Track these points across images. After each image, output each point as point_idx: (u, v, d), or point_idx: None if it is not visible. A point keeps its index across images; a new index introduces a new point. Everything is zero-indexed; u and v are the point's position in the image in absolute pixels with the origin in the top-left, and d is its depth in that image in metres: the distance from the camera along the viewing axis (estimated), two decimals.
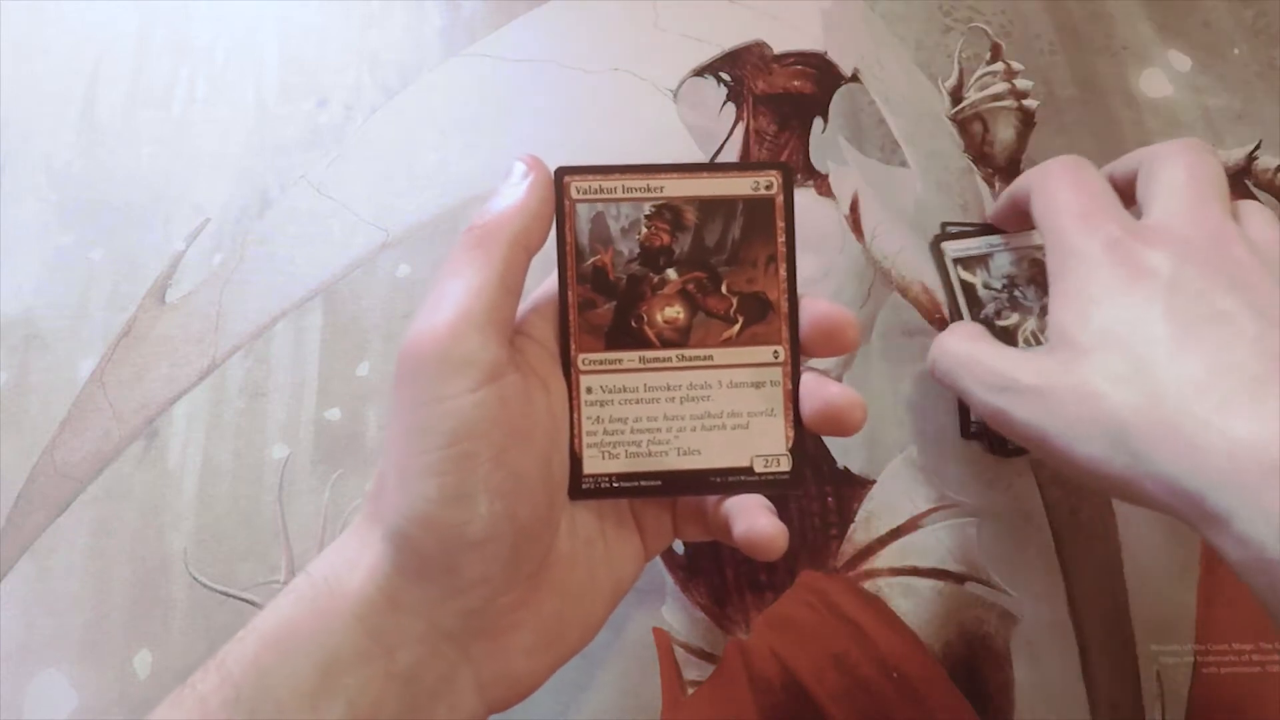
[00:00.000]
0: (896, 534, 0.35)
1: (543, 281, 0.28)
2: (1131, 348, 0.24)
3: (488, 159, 0.42)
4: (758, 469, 0.26)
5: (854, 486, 0.36)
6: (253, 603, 0.33)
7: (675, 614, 0.34)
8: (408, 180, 0.41)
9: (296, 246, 0.40)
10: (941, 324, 0.38)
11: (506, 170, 0.26)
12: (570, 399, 0.26)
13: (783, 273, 0.26)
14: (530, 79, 0.43)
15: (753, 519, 0.26)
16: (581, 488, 0.26)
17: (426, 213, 0.40)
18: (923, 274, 0.39)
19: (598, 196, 0.26)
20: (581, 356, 0.26)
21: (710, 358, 0.26)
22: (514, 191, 0.25)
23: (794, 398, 0.26)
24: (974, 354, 0.29)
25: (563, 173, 0.26)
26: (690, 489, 0.27)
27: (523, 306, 0.27)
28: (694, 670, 0.33)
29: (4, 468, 0.35)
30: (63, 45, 0.44)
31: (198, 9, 0.45)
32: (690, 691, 0.32)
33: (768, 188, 0.26)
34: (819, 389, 0.26)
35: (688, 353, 0.26)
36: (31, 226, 0.40)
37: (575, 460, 0.26)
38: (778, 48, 0.44)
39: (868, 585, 0.34)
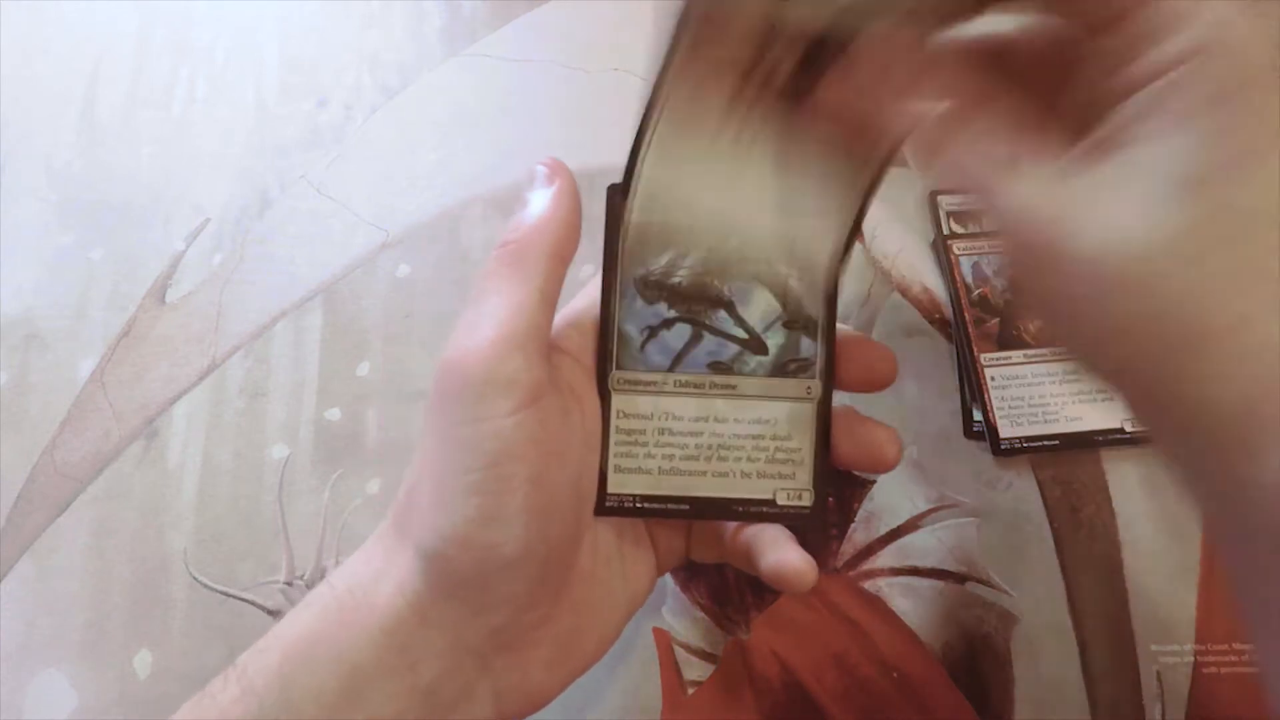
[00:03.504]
0: (896, 534, 0.35)
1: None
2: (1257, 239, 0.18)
3: (488, 159, 0.42)
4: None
5: (854, 486, 0.36)
6: (253, 603, 0.33)
7: (675, 614, 0.34)
8: (408, 180, 0.41)
9: (296, 246, 0.40)
10: (942, 324, 0.38)
11: (529, 176, 0.25)
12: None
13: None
14: (530, 79, 0.43)
15: (782, 552, 0.26)
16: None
17: (426, 213, 0.40)
18: (923, 274, 0.39)
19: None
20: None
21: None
22: (542, 200, 0.24)
23: (824, 433, 0.26)
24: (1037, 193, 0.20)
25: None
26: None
27: (560, 319, 0.27)
28: (694, 670, 0.33)
29: (4, 468, 0.35)
30: (63, 45, 0.44)
31: (198, 9, 0.45)
32: (690, 691, 0.32)
33: None
34: (855, 425, 0.26)
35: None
36: (31, 226, 0.40)
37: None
38: None
39: (868, 585, 0.34)
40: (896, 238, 0.40)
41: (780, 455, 0.26)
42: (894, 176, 0.44)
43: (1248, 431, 0.17)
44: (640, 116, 0.24)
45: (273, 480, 0.35)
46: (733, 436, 0.26)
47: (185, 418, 0.36)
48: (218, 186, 0.41)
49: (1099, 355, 0.20)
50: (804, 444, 0.26)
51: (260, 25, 0.44)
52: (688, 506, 0.26)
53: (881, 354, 0.26)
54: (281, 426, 0.36)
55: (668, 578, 0.34)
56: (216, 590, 0.34)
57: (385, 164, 0.41)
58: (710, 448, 0.26)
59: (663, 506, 0.26)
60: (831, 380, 0.26)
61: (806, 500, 0.26)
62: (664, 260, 0.26)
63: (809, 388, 0.26)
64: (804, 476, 0.26)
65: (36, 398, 0.37)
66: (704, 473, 0.26)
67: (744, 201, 0.25)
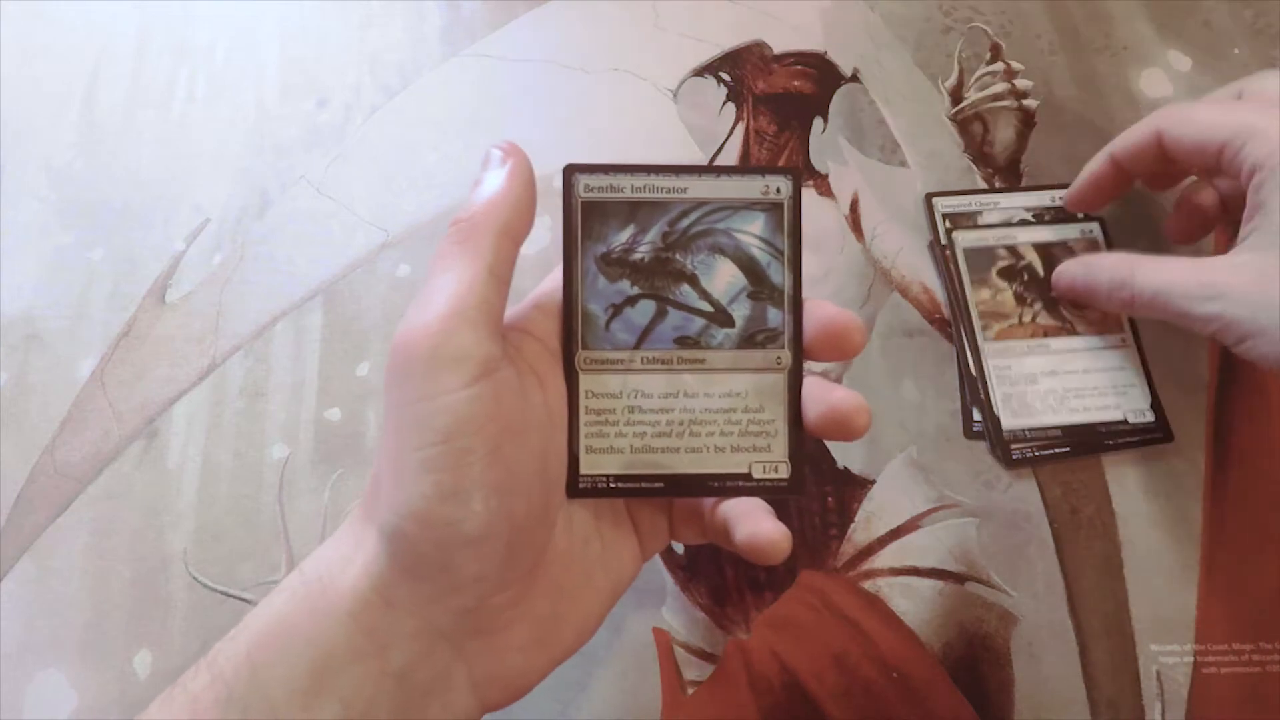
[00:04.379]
0: (896, 534, 0.35)
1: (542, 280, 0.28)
2: None
3: None
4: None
5: (854, 486, 0.36)
6: (253, 603, 0.33)
7: (675, 614, 0.34)
8: (408, 180, 0.41)
9: (296, 246, 0.40)
10: (941, 324, 0.38)
11: (484, 158, 0.25)
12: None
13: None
14: (530, 79, 0.43)
15: (755, 524, 0.26)
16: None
17: (426, 213, 0.40)
18: (923, 274, 0.39)
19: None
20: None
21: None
22: (495, 180, 0.25)
23: (796, 403, 0.26)
24: (1177, 275, 0.31)
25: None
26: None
27: (525, 302, 0.27)
28: (694, 670, 0.33)
29: (4, 468, 0.35)
30: (63, 45, 0.44)
31: (198, 9, 0.45)
32: (690, 691, 0.32)
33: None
34: (823, 394, 0.26)
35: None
36: (31, 226, 0.40)
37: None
38: (778, 48, 0.44)
39: (868, 585, 0.34)
40: (896, 238, 0.40)
41: (753, 428, 0.26)
42: (895, 176, 0.44)
43: None
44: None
45: (273, 480, 0.35)
46: (704, 411, 0.26)
47: (185, 418, 0.36)
48: (218, 186, 0.41)
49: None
50: (777, 415, 0.26)
51: (260, 25, 0.44)
52: (662, 484, 0.26)
53: (850, 320, 0.26)
54: (281, 426, 0.36)
55: (667, 577, 0.34)
56: (216, 590, 0.34)
57: (385, 164, 0.41)
58: (682, 423, 0.26)
59: (637, 485, 0.26)
60: (801, 349, 0.26)
61: (783, 472, 0.26)
62: (624, 237, 0.26)
63: (778, 358, 0.26)
64: (779, 448, 0.26)
65: (36, 398, 0.37)
66: (677, 449, 0.26)
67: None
